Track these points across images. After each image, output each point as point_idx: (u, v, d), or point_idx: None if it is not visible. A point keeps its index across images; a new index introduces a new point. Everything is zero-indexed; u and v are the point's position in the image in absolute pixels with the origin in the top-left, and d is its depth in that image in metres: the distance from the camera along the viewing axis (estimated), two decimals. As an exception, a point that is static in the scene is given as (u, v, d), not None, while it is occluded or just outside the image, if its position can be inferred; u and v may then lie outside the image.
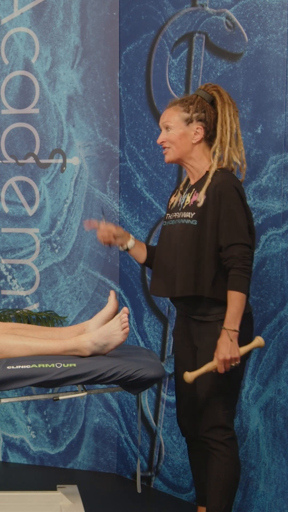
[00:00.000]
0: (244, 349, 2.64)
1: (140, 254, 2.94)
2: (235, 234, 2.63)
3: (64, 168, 3.88)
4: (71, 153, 3.86)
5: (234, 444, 2.73)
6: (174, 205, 2.85)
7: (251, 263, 2.65)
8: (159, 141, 2.80)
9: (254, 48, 3.06)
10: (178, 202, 2.82)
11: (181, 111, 2.75)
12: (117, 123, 3.77)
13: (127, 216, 3.74)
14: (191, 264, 2.68)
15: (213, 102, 2.76)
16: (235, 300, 2.61)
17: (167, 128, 2.78)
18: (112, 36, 3.75)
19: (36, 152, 3.91)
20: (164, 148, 2.80)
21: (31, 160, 3.92)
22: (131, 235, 2.93)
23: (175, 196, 2.88)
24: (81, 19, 3.80)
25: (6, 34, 3.90)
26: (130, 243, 2.92)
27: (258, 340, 2.68)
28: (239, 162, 2.74)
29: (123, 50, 3.71)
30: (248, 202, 3.08)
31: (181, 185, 2.88)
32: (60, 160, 3.88)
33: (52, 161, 3.89)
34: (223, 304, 2.65)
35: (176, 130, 2.75)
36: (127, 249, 2.93)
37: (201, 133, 2.75)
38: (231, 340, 2.59)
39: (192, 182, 2.81)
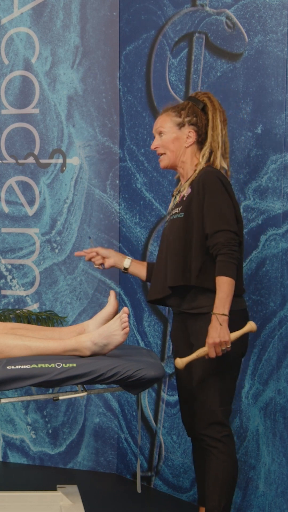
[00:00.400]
0: (235, 334, 2.65)
1: (140, 271, 3.00)
2: (220, 221, 2.67)
3: (64, 168, 3.88)
4: (71, 153, 3.86)
5: (231, 441, 2.75)
6: (169, 209, 2.92)
7: (238, 249, 2.67)
8: (152, 147, 2.88)
9: (254, 48, 3.06)
10: (172, 205, 2.88)
11: (173, 116, 2.83)
12: (117, 123, 3.77)
13: (127, 216, 3.74)
14: (180, 255, 2.73)
15: (203, 109, 2.83)
16: (223, 285, 2.63)
17: (160, 133, 2.85)
18: (112, 36, 3.75)
19: (36, 152, 3.91)
20: (159, 154, 2.87)
21: (31, 160, 3.92)
22: (127, 256, 2.98)
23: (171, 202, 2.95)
24: (81, 19, 3.80)
25: (6, 34, 3.90)
26: (126, 262, 2.98)
27: (250, 325, 2.68)
28: (226, 167, 2.80)
29: (123, 50, 3.71)
30: (248, 202, 3.09)
31: (175, 190, 2.94)
32: (60, 160, 3.88)
33: (52, 161, 3.89)
34: (212, 292, 2.68)
35: (169, 135, 2.83)
36: (125, 269, 2.99)
37: (193, 136, 2.81)
38: (221, 324, 2.61)
39: (182, 183, 2.87)
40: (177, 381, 2.92)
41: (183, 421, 2.92)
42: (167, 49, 3.46)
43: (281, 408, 3.01)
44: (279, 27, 2.97)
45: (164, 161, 2.85)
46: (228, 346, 2.63)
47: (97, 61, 3.79)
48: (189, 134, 2.81)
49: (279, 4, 2.97)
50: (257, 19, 3.05)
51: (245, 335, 2.72)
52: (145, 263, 3.01)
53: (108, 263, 2.99)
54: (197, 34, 3.31)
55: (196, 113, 2.81)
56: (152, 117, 3.56)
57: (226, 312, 2.63)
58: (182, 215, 2.74)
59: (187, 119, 2.80)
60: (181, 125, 2.81)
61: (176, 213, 2.78)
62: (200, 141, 2.82)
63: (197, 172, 2.76)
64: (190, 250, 2.71)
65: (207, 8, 3.25)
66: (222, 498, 2.71)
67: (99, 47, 3.78)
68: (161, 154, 2.85)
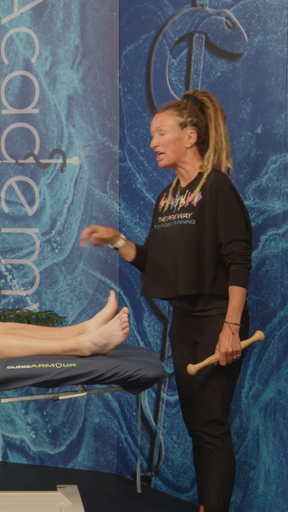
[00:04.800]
0: (245, 343, 2.71)
1: (129, 253, 2.97)
2: (234, 231, 2.69)
3: (64, 168, 3.88)
4: (71, 153, 3.86)
5: (229, 439, 2.76)
6: (165, 208, 2.87)
7: (251, 258, 2.71)
8: (152, 144, 2.83)
9: (254, 48, 3.06)
10: (170, 205, 2.85)
11: (176, 115, 2.79)
12: (117, 123, 3.77)
13: (127, 216, 3.74)
14: (193, 263, 2.72)
15: (201, 108, 2.80)
16: (236, 295, 2.66)
17: (160, 132, 2.80)
18: (112, 36, 3.75)
19: (36, 152, 3.91)
20: (157, 152, 2.83)
21: (31, 160, 3.92)
22: (121, 235, 2.95)
23: (164, 200, 2.90)
24: (81, 19, 3.80)
25: (6, 34, 3.90)
26: (120, 242, 2.95)
27: (259, 334, 2.74)
28: (230, 166, 2.80)
29: (123, 50, 3.71)
30: (248, 202, 3.09)
31: (171, 189, 2.90)
32: (60, 160, 3.88)
33: (52, 161, 3.89)
34: (223, 298, 2.70)
35: (171, 134, 2.79)
36: (116, 248, 2.96)
37: (194, 137, 2.79)
38: (233, 334, 2.65)
39: (183, 184, 2.85)
40: (177, 380, 2.92)
41: (185, 420, 2.92)
42: (167, 49, 3.46)
43: (281, 408, 3.01)
44: (279, 27, 2.97)
45: (163, 161, 2.82)
46: (239, 355, 2.67)
47: (97, 61, 3.79)
48: (190, 134, 2.78)
49: (279, 4, 2.97)
50: (257, 19, 3.05)
51: (246, 334, 2.75)
52: (133, 246, 2.97)
53: (105, 242, 2.94)
54: (197, 34, 3.31)
55: (196, 113, 2.79)
56: (152, 117, 3.55)
57: (238, 321, 2.67)
58: (194, 222, 2.72)
59: (189, 119, 2.77)
60: (183, 125, 2.78)
61: (185, 218, 2.75)
62: (200, 142, 2.81)
63: (205, 177, 2.74)
64: (203, 258, 2.71)
65: (207, 8, 3.25)
66: (221, 495, 2.72)
67: (99, 47, 3.78)
68: (160, 153, 2.82)
